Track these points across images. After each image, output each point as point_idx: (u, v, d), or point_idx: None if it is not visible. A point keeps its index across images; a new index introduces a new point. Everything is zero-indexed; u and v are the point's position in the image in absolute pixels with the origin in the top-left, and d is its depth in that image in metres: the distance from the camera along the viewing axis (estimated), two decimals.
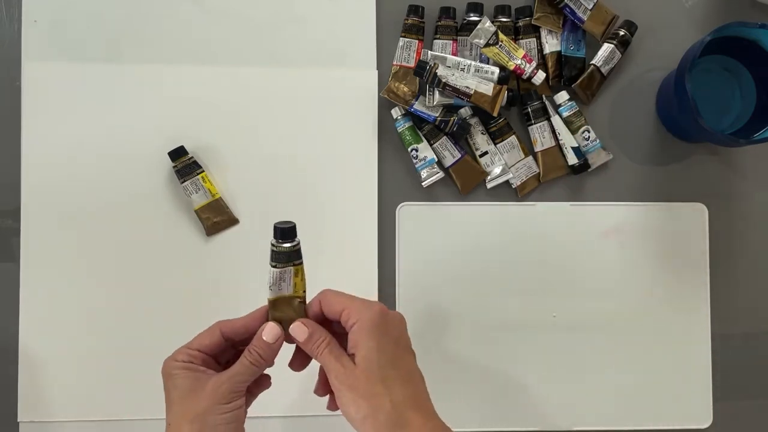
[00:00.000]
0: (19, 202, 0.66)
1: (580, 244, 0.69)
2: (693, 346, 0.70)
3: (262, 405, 0.67)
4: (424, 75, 0.64)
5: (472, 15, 0.68)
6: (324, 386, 0.52)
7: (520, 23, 0.69)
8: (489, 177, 0.69)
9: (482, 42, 0.67)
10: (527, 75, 0.67)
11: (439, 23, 0.68)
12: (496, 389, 0.68)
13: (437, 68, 0.64)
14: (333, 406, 0.52)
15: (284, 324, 0.52)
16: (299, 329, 0.50)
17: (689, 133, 0.69)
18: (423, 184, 0.68)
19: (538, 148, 0.68)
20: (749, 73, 0.67)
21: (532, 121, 0.68)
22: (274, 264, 0.52)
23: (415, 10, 0.68)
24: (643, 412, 0.69)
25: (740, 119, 0.67)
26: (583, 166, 0.68)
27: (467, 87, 0.65)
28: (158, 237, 0.67)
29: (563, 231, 0.69)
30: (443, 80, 0.64)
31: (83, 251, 0.66)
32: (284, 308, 0.53)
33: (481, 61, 0.68)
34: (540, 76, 0.67)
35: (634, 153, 0.70)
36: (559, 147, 0.69)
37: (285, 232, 0.53)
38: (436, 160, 0.67)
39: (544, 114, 0.68)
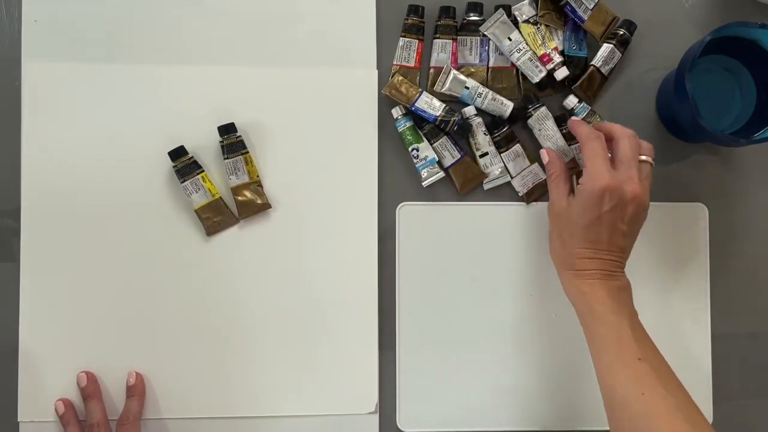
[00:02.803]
0: (19, 202, 0.66)
1: None
2: (693, 346, 0.70)
3: (267, 405, 0.67)
4: (450, 126, 0.66)
5: (472, 15, 0.68)
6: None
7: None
8: (487, 179, 0.68)
9: (523, 16, 0.67)
10: (553, 65, 0.67)
11: (439, 23, 0.68)
12: (496, 389, 0.68)
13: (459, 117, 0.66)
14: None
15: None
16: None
17: (689, 133, 0.69)
18: (423, 183, 0.68)
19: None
20: (749, 73, 0.67)
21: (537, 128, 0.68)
22: (225, 157, 0.65)
23: (415, 10, 0.68)
24: None
25: (740, 119, 0.67)
26: None
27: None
28: (158, 237, 0.67)
29: None
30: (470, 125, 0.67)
31: (83, 251, 0.66)
32: (246, 192, 0.66)
33: (482, 53, 0.68)
34: (563, 72, 0.67)
35: None
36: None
37: (226, 127, 0.66)
38: (437, 159, 0.67)
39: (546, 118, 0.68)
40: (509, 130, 0.68)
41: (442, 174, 0.67)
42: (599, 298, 0.58)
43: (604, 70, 0.69)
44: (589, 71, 0.69)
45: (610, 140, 0.62)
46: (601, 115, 0.69)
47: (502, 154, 0.68)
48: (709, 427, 0.54)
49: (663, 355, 0.57)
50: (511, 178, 0.69)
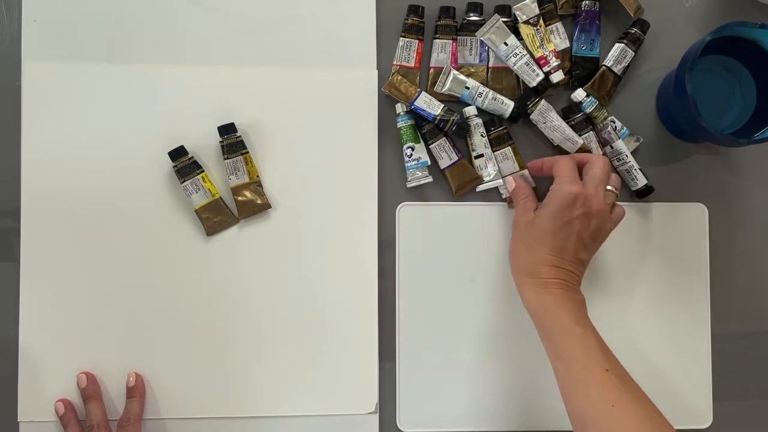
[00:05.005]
0: (19, 202, 0.66)
1: None
2: (693, 346, 0.70)
3: (266, 406, 0.67)
4: (449, 126, 0.66)
5: (472, 15, 0.68)
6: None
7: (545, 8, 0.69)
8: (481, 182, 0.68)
9: (524, 17, 0.67)
10: (549, 68, 0.67)
11: (439, 23, 0.68)
12: (496, 389, 0.68)
13: (457, 117, 0.66)
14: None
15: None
16: (509, 182, 0.67)
17: (689, 133, 0.69)
18: (408, 184, 0.68)
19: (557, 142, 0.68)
20: (749, 73, 0.67)
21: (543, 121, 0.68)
22: (225, 157, 0.65)
23: (415, 10, 0.68)
24: None
25: (740, 119, 0.67)
26: (648, 190, 0.68)
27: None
28: (158, 237, 0.67)
29: None
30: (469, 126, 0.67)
31: (83, 251, 0.66)
32: (246, 192, 0.66)
33: (482, 53, 0.68)
34: (558, 75, 0.67)
35: (635, 153, 0.70)
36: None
37: (226, 127, 0.66)
38: (429, 164, 0.67)
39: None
40: (505, 131, 0.68)
41: (430, 179, 0.67)
42: (564, 309, 0.58)
43: (617, 70, 0.69)
44: (600, 71, 0.69)
45: (580, 168, 0.64)
46: (609, 109, 0.69)
47: (495, 154, 0.68)
48: None
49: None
50: (501, 178, 0.68)
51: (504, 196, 0.69)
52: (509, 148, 0.68)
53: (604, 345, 0.58)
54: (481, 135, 0.68)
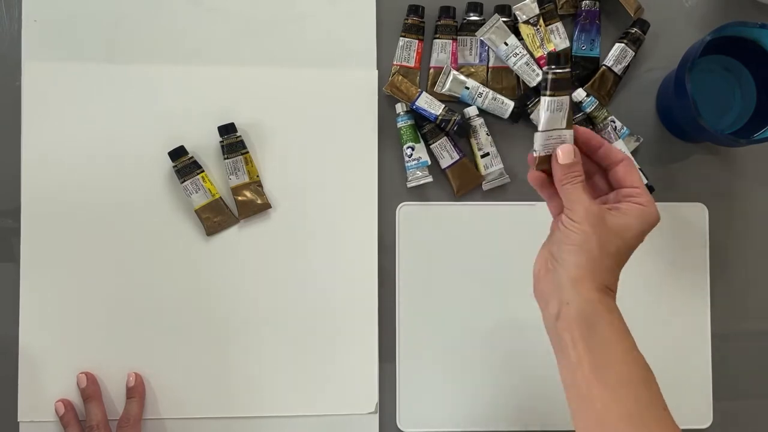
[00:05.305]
0: (19, 202, 0.66)
1: None
2: (693, 346, 0.70)
3: (267, 405, 0.67)
4: (450, 126, 0.66)
5: (472, 15, 0.68)
6: (554, 201, 0.55)
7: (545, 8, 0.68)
8: (487, 180, 0.68)
9: (524, 17, 0.67)
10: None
11: (439, 23, 0.68)
12: (496, 389, 0.68)
13: (460, 117, 0.66)
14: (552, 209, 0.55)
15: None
16: (566, 150, 0.52)
17: (689, 133, 0.69)
18: (408, 184, 0.68)
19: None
20: (749, 73, 0.67)
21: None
22: (225, 157, 0.66)
23: (415, 10, 0.68)
24: None
25: (740, 119, 0.67)
26: (648, 190, 0.68)
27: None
28: (158, 237, 0.67)
29: None
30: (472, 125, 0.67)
31: (83, 251, 0.66)
32: (246, 192, 0.66)
33: (482, 53, 0.68)
34: None
35: (635, 153, 0.70)
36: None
37: (226, 127, 0.66)
38: (429, 163, 0.67)
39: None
40: (569, 75, 0.56)
41: (430, 179, 0.67)
42: (627, 328, 0.50)
43: (617, 70, 0.69)
44: (600, 71, 0.69)
45: (595, 151, 0.55)
46: (609, 109, 0.69)
47: (549, 99, 0.52)
48: None
49: None
50: (537, 131, 0.53)
51: (536, 155, 0.53)
52: (567, 97, 0.52)
53: None
54: (486, 134, 0.68)
